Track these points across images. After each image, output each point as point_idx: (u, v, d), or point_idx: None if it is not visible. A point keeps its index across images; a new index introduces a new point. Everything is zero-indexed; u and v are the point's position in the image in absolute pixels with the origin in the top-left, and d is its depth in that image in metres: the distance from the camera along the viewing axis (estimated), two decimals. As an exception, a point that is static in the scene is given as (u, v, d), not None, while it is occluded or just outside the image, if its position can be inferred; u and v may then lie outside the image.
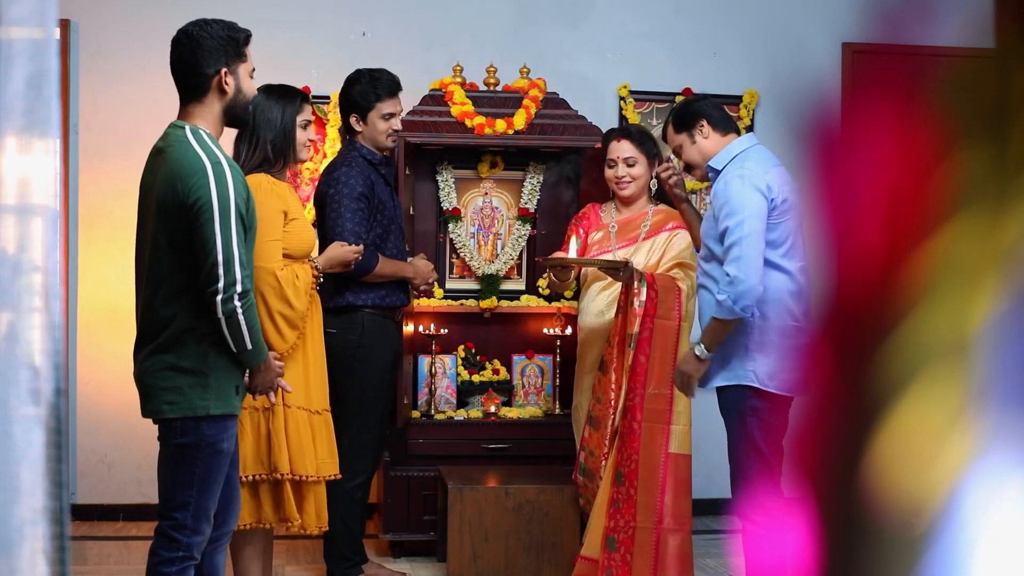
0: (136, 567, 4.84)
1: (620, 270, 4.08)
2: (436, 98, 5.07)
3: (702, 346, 3.65)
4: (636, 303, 4.02)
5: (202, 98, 3.05)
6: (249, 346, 3.01)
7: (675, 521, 4.00)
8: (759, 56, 5.78)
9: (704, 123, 3.76)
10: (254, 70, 3.15)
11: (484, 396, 5.13)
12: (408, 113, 4.95)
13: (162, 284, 3.02)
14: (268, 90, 3.75)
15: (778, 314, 3.60)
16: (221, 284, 2.90)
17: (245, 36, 3.10)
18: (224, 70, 3.03)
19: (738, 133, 3.84)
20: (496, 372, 5.28)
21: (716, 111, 3.83)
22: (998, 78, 0.74)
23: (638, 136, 4.27)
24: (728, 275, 3.54)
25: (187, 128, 3.02)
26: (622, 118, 5.73)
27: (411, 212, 5.12)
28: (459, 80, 5.12)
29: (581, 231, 4.40)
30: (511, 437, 4.99)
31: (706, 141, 3.76)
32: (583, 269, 4.46)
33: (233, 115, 3.10)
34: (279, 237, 3.64)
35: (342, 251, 4.06)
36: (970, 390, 0.73)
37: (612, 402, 4.07)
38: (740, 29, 5.84)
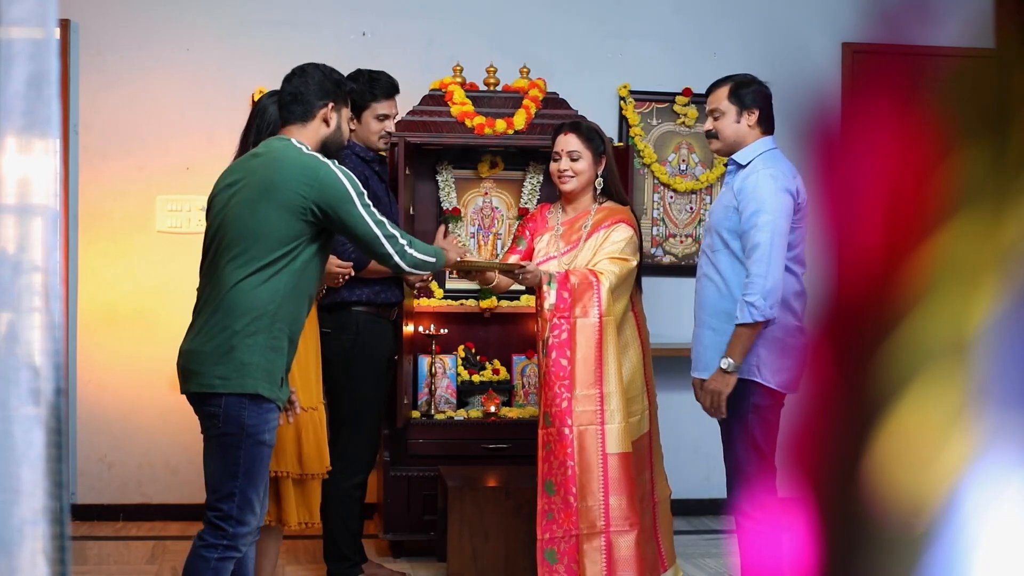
0: (136, 567, 4.84)
1: (517, 272, 3.99)
2: (436, 98, 5.07)
3: (730, 360, 3.56)
4: (546, 306, 3.91)
5: (306, 123, 3.28)
6: (435, 261, 3.40)
7: (624, 522, 3.87)
8: (759, 56, 5.77)
9: (758, 113, 3.69)
10: (352, 120, 3.44)
11: (484, 396, 5.13)
12: (408, 113, 4.95)
13: (227, 269, 3.13)
14: (272, 93, 3.74)
15: (783, 313, 3.57)
16: (392, 250, 3.24)
17: (349, 88, 3.44)
18: (331, 104, 3.29)
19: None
20: (496, 372, 5.28)
21: (770, 110, 3.75)
22: (998, 78, 0.74)
23: (586, 131, 4.15)
24: (751, 274, 3.51)
25: (292, 140, 3.24)
26: (622, 118, 5.74)
27: (411, 212, 5.11)
28: (459, 80, 5.12)
29: (527, 233, 4.29)
30: (511, 437, 4.98)
31: (747, 129, 3.70)
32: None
33: (327, 151, 3.29)
34: None
35: (328, 265, 3.83)
36: (970, 390, 0.73)
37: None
38: (740, 29, 5.85)
